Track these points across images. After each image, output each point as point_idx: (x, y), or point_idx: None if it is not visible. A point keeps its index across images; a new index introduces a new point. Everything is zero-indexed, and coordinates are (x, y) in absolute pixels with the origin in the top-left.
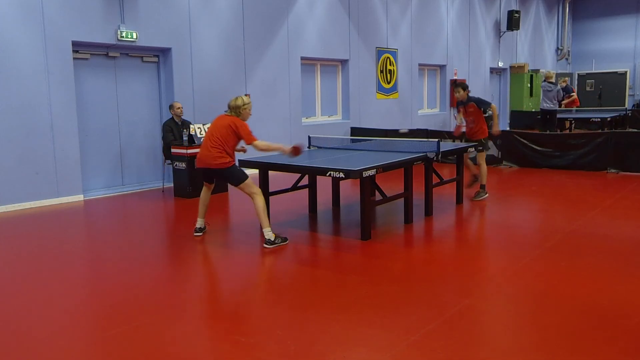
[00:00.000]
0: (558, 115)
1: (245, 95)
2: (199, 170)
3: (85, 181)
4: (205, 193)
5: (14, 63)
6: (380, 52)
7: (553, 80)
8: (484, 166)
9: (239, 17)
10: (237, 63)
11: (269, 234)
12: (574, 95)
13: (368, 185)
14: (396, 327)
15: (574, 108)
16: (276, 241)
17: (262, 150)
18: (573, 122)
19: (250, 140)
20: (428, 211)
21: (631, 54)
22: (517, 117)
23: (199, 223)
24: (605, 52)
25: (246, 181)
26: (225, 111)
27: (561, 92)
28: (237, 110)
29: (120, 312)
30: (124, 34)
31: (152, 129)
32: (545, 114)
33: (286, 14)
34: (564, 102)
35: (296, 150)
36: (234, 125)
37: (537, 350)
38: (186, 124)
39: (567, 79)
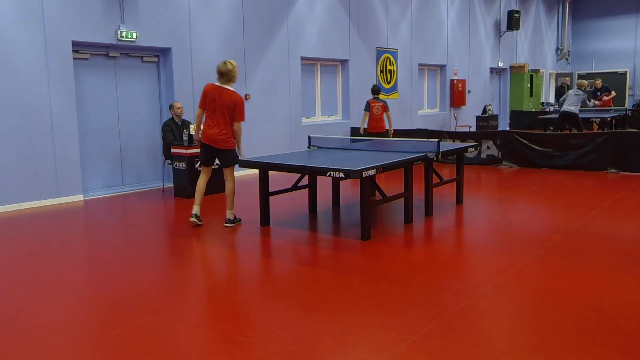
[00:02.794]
0: (582, 116)
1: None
2: (204, 146)
3: (85, 181)
4: (203, 180)
5: (14, 63)
6: (380, 52)
7: (583, 89)
8: None
9: (239, 17)
10: (237, 63)
11: (231, 215)
12: (613, 93)
13: (368, 185)
14: (396, 327)
15: (609, 108)
16: (235, 221)
17: (238, 130)
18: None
19: (240, 119)
20: (428, 211)
21: (631, 54)
22: (517, 117)
23: (196, 209)
24: (605, 52)
25: (234, 166)
26: (216, 77)
27: (586, 101)
28: (229, 75)
29: (120, 313)
30: (124, 34)
31: (152, 129)
32: (567, 116)
33: (286, 14)
34: (600, 101)
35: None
36: (233, 105)
37: (537, 350)
38: (186, 124)
39: (600, 80)
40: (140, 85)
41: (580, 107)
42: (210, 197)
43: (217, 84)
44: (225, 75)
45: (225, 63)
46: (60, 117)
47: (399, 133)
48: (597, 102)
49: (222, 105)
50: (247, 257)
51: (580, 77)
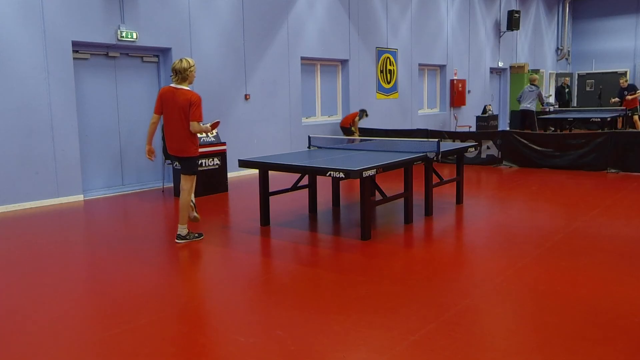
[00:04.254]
0: (582, 116)
1: (189, 59)
2: (172, 157)
3: (85, 181)
4: (184, 197)
5: (14, 63)
6: (380, 52)
7: (536, 83)
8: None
9: (239, 17)
10: (237, 63)
11: (183, 230)
12: (637, 94)
13: (368, 185)
14: (396, 327)
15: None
16: (187, 237)
17: (195, 131)
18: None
19: (194, 118)
20: (428, 211)
21: (631, 54)
22: (517, 117)
23: (194, 217)
24: (605, 52)
25: (194, 176)
26: (170, 76)
27: (541, 94)
28: (184, 74)
29: (120, 313)
30: (124, 34)
31: None
32: (523, 113)
33: (286, 14)
34: (628, 98)
35: (214, 125)
36: (188, 104)
37: (536, 350)
38: None
39: (626, 78)
40: (140, 85)
41: (533, 100)
42: (209, 198)
43: (172, 85)
44: (180, 73)
45: (181, 60)
46: (60, 117)
47: (399, 133)
48: (615, 100)
49: (178, 107)
50: (247, 257)
51: (580, 77)
